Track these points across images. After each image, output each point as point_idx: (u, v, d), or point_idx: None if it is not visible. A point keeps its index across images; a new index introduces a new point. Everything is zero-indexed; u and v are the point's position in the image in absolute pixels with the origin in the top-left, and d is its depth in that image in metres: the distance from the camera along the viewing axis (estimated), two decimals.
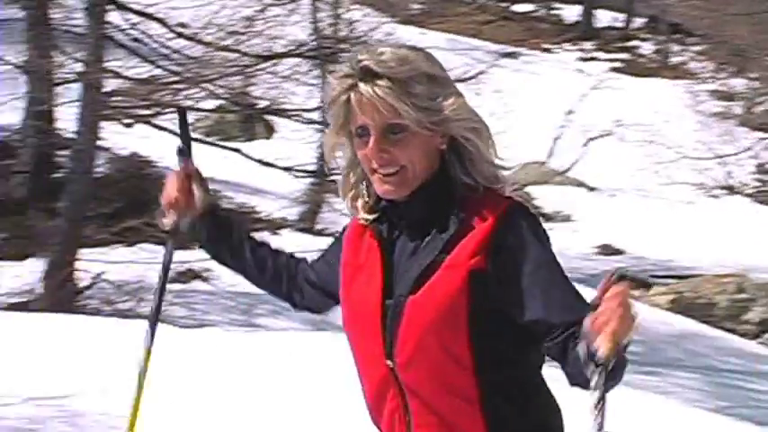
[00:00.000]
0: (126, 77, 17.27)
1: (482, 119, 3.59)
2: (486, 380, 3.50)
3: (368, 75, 3.46)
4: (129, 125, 18.32)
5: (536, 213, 3.57)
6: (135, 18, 17.76)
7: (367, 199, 3.68)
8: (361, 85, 3.45)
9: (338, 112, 3.53)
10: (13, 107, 18.87)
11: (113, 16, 17.31)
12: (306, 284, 4.09)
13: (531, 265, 3.44)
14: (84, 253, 16.51)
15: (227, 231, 4.24)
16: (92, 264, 16.61)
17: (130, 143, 20.45)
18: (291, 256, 4.25)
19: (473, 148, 3.53)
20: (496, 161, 3.59)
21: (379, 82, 3.44)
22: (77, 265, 16.24)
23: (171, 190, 4.21)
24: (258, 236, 4.33)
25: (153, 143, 19.73)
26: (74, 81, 17.08)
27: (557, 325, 3.39)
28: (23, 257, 17.34)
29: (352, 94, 3.48)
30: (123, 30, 17.84)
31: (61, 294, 15.51)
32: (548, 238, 3.56)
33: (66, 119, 17.68)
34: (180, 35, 17.92)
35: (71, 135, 17.35)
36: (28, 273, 16.44)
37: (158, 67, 17.79)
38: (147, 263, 17.55)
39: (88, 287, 16.28)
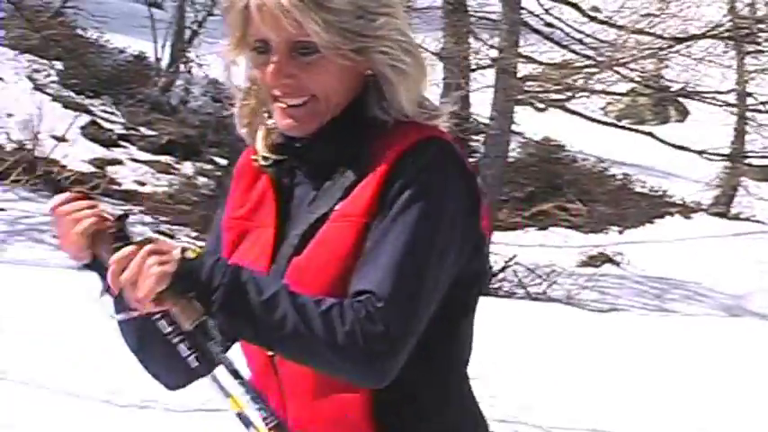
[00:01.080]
0: (539, 62, 17.35)
1: (417, 48, 2.78)
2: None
3: None
4: (541, 109, 18.25)
5: (457, 154, 2.69)
6: (549, 3, 17.66)
7: (270, 129, 2.84)
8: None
9: (235, 21, 2.73)
10: (430, 93, 18.76)
11: (528, 2, 17.22)
12: None
13: (395, 210, 2.64)
14: (497, 236, 16.44)
15: None
16: (505, 247, 16.61)
17: (543, 127, 20.21)
18: None
19: (393, 88, 2.72)
20: (426, 103, 2.80)
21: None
22: (491, 248, 16.04)
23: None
24: None
25: (565, 127, 19.55)
26: (489, 66, 17.19)
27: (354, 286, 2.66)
28: None
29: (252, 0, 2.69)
30: (537, 15, 17.83)
31: None
32: (451, 190, 2.69)
33: (481, 104, 17.74)
34: (593, 19, 17.72)
35: (485, 120, 17.47)
36: None
37: (571, 51, 17.72)
38: (558, 246, 17.76)
39: (501, 270, 16.32)
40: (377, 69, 2.71)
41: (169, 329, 2.68)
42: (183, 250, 2.59)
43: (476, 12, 18.03)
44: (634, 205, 20.27)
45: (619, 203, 20.08)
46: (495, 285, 15.93)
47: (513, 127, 17.11)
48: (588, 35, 17.66)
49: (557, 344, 11.72)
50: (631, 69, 16.82)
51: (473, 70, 17.78)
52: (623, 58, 16.42)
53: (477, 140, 18.51)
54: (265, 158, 2.84)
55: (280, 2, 2.62)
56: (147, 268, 2.54)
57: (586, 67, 17.08)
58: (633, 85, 18.79)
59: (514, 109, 16.79)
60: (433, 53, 17.56)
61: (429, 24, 17.78)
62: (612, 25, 17.18)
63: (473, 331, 2.91)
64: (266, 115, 2.82)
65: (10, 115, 16.17)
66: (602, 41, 17.63)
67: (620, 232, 19.32)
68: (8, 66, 17.21)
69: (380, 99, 2.75)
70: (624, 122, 21.52)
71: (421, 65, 2.77)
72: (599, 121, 20.03)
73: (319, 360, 2.63)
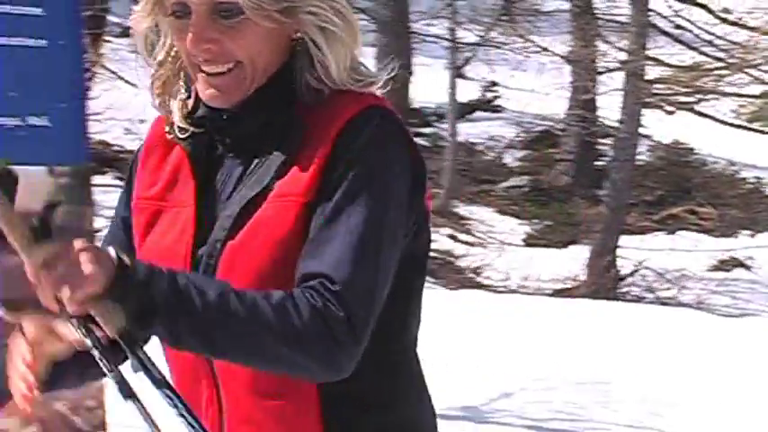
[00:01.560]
0: (668, 65, 17.18)
1: (349, 10, 2.59)
2: None
3: None
4: (670, 112, 18.08)
5: (397, 123, 2.56)
6: (678, 5, 17.43)
7: (186, 100, 2.64)
8: None
9: None
10: (558, 97, 18.91)
11: (657, 4, 16.98)
12: None
13: (342, 191, 2.49)
14: (625, 240, 16.40)
15: None
16: (633, 251, 16.45)
17: (672, 130, 19.74)
18: None
19: (322, 52, 2.52)
20: (360, 68, 2.60)
21: None
22: (619, 252, 16.15)
23: None
24: None
25: (695, 130, 19.17)
26: (617, 69, 17.06)
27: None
28: (567, 244, 17.25)
29: None
30: (666, 17, 17.58)
31: (603, 281, 15.51)
32: (395, 164, 2.56)
33: (609, 107, 17.57)
34: (724, 20, 17.40)
35: (613, 123, 17.28)
36: (571, 259, 16.44)
37: (701, 53, 17.47)
38: (688, 250, 17.40)
39: (630, 274, 16.13)
40: (305, 32, 2.51)
41: (82, 333, 2.43)
42: (117, 252, 2.39)
43: (603, 14, 17.81)
44: (766, 209, 19.75)
45: (750, 207, 19.68)
46: (623, 290, 15.75)
47: (642, 130, 16.92)
48: (719, 37, 17.34)
49: (686, 349, 11.52)
50: (764, 71, 16.66)
51: (600, 73, 17.64)
52: (755, 59, 16.30)
53: (605, 144, 18.29)
54: (181, 130, 2.62)
55: None
56: (82, 267, 2.32)
57: (717, 69, 16.98)
58: (766, 87, 18.36)
59: (643, 112, 16.59)
60: (560, 56, 17.62)
61: (556, 28, 17.97)
62: (744, 26, 17.05)
63: (421, 312, 2.71)
64: (182, 85, 2.62)
65: (142, 121, 16.38)
66: (733, 43, 17.34)
67: (752, 236, 18.93)
68: (141, 72, 17.51)
69: (310, 65, 2.55)
70: (756, 125, 21.04)
71: (353, 28, 2.57)
72: (730, 124, 19.69)
73: (275, 359, 2.47)
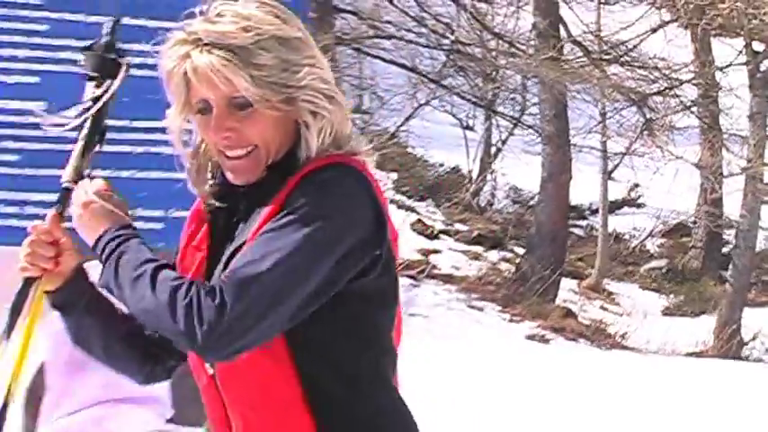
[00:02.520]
0: None
1: (337, 92, 2.59)
2: (307, 375, 2.53)
3: (200, 44, 2.52)
4: None
5: (356, 174, 2.52)
6: None
7: (211, 182, 2.67)
8: (195, 55, 2.49)
9: (177, 88, 2.55)
10: (690, 196, 18.78)
11: None
12: None
13: (278, 222, 2.46)
14: (747, 312, 16.05)
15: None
16: (754, 321, 16.02)
17: None
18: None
19: (309, 131, 2.50)
20: (346, 140, 2.57)
21: (216, 52, 2.49)
22: (742, 322, 15.80)
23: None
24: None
25: None
26: (738, 174, 16.73)
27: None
28: (697, 315, 16.95)
29: (187, 65, 2.50)
30: None
31: (729, 346, 15.23)
32: (341, 201, 2.48)
33: (733, 205, 17.16)
34: None
35: (737, 218, 16.90)
36: (701, 328, 16.08)
37: None
38: None
39: (751, 339, 15.80)
40: (300, 116, 2.50)
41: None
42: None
43: (727, 130, 17.41)
44: None
45: None
46: (746, 353, 15.45)
47: (760, 223, 16.59)
48: None
49: None
50: None
51: (725, 176, 17.28)
52: None
53: (730, 234, 17.90)
54: (209, 206, 2.64)
55: (211, 63, 2.46)
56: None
57: None
58: None
59: (762, 208, 16.29)
60: (692, 163, 17.44)
61: (688, 140, 17.61)
62: None
63: (393, 348, 2.61)
64: (210, 173, 2.62)
65: None
66: None
67: None
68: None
69: (306, 141, 2.54)
70: None
71: (341, 108, 2.56)
72: None
73: (151, 315, 2.46)
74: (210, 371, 2.58)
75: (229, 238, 2.60)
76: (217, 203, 2.64)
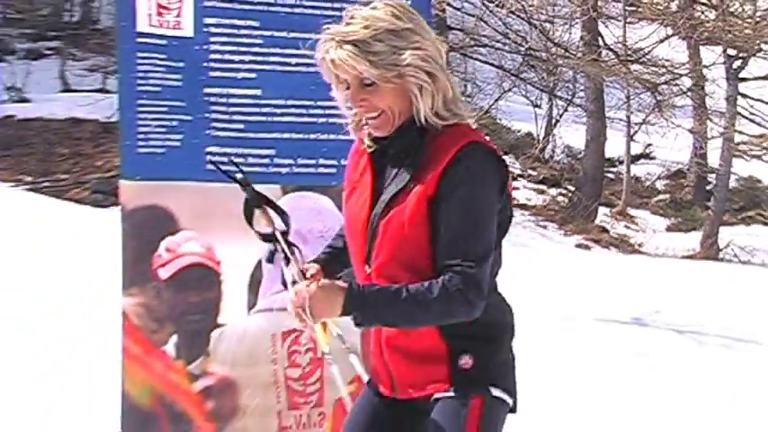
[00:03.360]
0: (749, 135, 16.10)
1: (440, 67, 2.35)
2: None
3: (335, 41, 2.35)
4: (748, 160, 17.01)
5: (489, 150, 2.36)
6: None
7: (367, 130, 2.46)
8: (331, 51, 2.34)
9: (327, 73, 2.40)
10: (686, 151, 18.20)
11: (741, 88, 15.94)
12: None
13: (455, 201, 2.29)
14: (722, 229, 15.59)
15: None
16: (726, 235, 15.65)
17: (749, 170, 18.44)
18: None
19: (416, 101, 2.34)
20: (453, 107, 2.38)
21: (345, 47, 2.32)
22: (719, 236, 15.39)
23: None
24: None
25: (763, 169, 17.90)
26: (717, 137, 16.13)
27: (439, 259, 2.31)
28: (689, 231, 16.25)
29: (328, 57, 2.36)
30: (748, 106, 16.36)
31: (710, 251, 14.85)
32: (488, 179, 2.33)
33: (714, 157, 16.73)
34: None
35: (716, 166, 16.40)
36: (692, 240, 15.55)
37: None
38: (756, 235, 16.28)
39: (725, 247, 15.28)
40: (409, 88, 2.34)
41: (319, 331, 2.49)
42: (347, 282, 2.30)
43: (711, 107, 16.91)
44: None
45: None
46: (721, 256, 14.98)
47: (732, 169, 16.30)
48: None
49: (759, 289, 10.47)
50: None
51: (709, 139, 16.82)
52: None
53: (712, 177, 17.36)
54: (369, 146, 2.47)
55: (339, 56, 2.31)
56: (322, 303, 2.27)
57: None
58: None
59: (732, 160, 15.92)
60: (687, 130, 17.05)
61: (685, 114, 17.28)
62: None
63: (501, 257, 2.45)
64: (364, 122, 2.45)
65: None
66: None
67: None
68: None
69: (420, 109, 2.37)
70: None
71: (441, 81, 2.35)
72: None
73: (434, 323, 2.31)
74: (367, 269, 2.40)
75: (386, 177, 2.41)
76: (372, 145, 2.46)
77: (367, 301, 2.23)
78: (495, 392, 2.32)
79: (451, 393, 2.30)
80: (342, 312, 2.25)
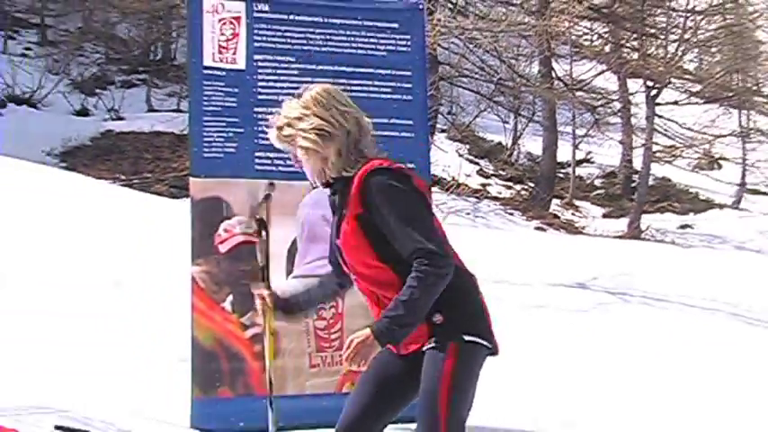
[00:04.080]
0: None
1: (339, 134, 2.28)
2: (399, 272, 2.21)
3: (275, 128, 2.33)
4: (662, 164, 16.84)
5: (387, 167, 2.27)
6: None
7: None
8: (273, 132, 2.33)
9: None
10: (616, 156, 17.82)
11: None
12: None
13: (384, 213, 2.20)
14: (644, 216, 15.27)
15: None
16: (646, 221, 15.25)
17: (664, 172, 17.93)
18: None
19: (330, 159, 2.31)
20: (359, 154, 2.29)
21: (274, 131, 2.33)
22: (641, 221, 15.05)
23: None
24: None
25: (672, 171, 17.60)
26: (639, 147, 16.00)
27: (402, 254, 2.20)
28: (619, 217, 15.85)
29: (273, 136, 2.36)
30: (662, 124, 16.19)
31: (634, 233, 14.59)
32: (395, 183, 2.23)
33: (637, 161, 16.51)
34: None
35: (639, 168, 16.18)
36: (621, 224, 15.26)
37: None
38: (663, 220, 16.03)
39: (645, 230, 14.99)
40: (321, 154, 2.31)
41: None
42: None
43: (635, 124, 16.71)
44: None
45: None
46: (643, 236, 14.67)
47: (651, 171, 16.04)
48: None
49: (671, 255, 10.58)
50: None
51: (633, 148, 16.56)
52: None
53: (636, 177, 16.82)
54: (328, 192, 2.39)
55: (272, 137, 2.34)
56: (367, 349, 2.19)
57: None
58: None
59: (651, 164, 15.70)
60: (617, 141, 16.80)
61: (616, 129, 17.06)
62: None
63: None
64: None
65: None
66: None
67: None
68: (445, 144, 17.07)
69: (331, 168, 2.31)
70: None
71: (336, 145, 2.28)
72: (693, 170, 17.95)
73: (430, 301, 2.20)
74: (353, 276, 2.34)
75: (336, 211, 2.36)
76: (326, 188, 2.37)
77: (389, 333, 2.18)
78: (468, 338, 2.24)
79: (433, 344, 2.24)
80: (381, 345, 2.21)
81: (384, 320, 2.18)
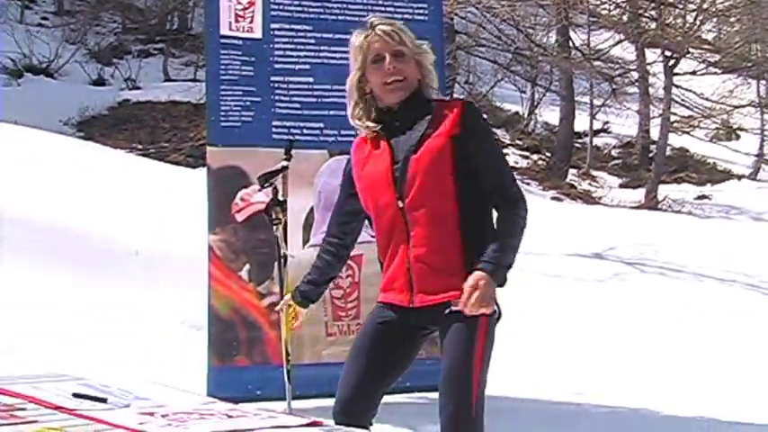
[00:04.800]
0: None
1: (433, 63, 2.34)
2: (463, 210, 2.22)
3: (380, 25, 2.29)
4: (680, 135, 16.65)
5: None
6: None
7: (370, 113, 2.32)
8: (378, 27, 2.28)
9: (357, 55, 2.30)
10: (633, 126, 17.64)
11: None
12: (349, 224, 2.44)
13: (486, 144, 2.27)
14: (661, 187, 15.12)
15: (318, 287, 2.55)
16: (663, 191, 15.12)
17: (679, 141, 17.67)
18: (331, 242, 2.48)
19: (427, 79, 2.33)
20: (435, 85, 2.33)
21: (393, 25, 2.31)
22: (658, 191, 14.92)
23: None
24: (319, 262, 2.50)
25: (690, 141, 17.37)
26: (657, 117, 15.73)
27: (491, 190, 2.25)
28: (636, 188, 15.80)
29: (370, 35, 2.28)
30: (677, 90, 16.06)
31: (651, 203, 14.46)
32: (491, 127, 2.43)
33: (655, 131, 16.17)
34: None
35: (656, 138, 15.90)
36: (639, 194, 15.17)
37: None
38: (682, 190, 15.86)
39: (662, 200, 14.82)
40: (424, 67, 2.32)
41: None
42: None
43: (653, 95, 16.37)
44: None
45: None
46: (660, 206, 14.55)
47: (669, 141, 15.81)
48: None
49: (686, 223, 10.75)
50: None
51: (651, 118, 16.23)
52: None
53: (653, 147, 16.62)
54: (371, 131, 2.32)
55: (392, 28, 2.30)
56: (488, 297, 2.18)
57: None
58: None
59: (668, 134, 15.48)
60: (635, 111, 16.54)
61: (633, 99, 16.80)
62: None
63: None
64: (363, 106, 2.32)
65: None
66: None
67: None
68: None
69: (425, 84, 2.33)
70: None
71: (434, 71, 2.35)
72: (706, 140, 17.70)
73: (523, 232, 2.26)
74: (401, 204, 2.23)
75: (399, 139, 2.27)
76: (374, 127, 2.31)
77: (501, 273, 2.18)
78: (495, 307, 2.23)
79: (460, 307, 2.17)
80: (498, 286, 2.19)
81: (492, 260, 2.16)
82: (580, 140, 17.56)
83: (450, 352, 2.19)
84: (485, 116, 2.33)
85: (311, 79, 3.87)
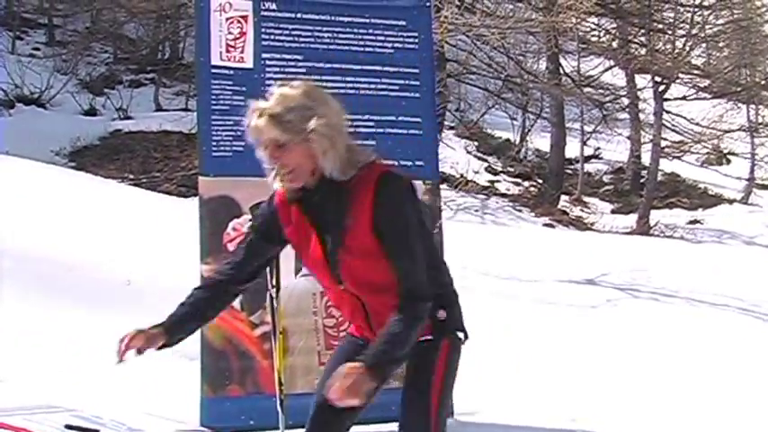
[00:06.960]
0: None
1: (339, 132, 2.17)
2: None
3: (257, 113, 2.17)
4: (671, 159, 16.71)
5: (401, 175, 2.20)
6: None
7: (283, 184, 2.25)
8: (253, 120, 2.16)
9: (252, 135, 2.19)
10: (624, 152, 17.85)
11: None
12: (249, 263, 2.36)
13: (390, 224, 2.15)
14: (652, 212, 15.23)
15: (184, 326, 2.60)
16: (655, 216, 15.23)
17: (671, 167, 17.76)
18: (210, 284, 2.55)
19: (319, 160, 2.15)
20: (355, 160, 2.18)
21: (263, 117, 2.14)
22: (650, 217, 15.04)
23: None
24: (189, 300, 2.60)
25: (680, 166, 17.54)
26: (648, 142, 15.94)
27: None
28: (628, 213, 15.88)
29: (252, 125, 2.18)
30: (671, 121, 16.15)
31: (642, 228, 14.56)
32: (409, 197, 2.19)
33: (645, 157, 16.44)
34: None
35: (647, 164, 16.11)
36: (630, 220, 15.27)
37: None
38: (674, 215, 15.99)
39: (654, 225, 14.98)
40: (315, 150, 2.15)
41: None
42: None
43: (643, 120, 16.68)
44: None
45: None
46: (651, 232, 14.65)
47: (659, 167, 16.01)
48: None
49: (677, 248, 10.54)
50: None
51: (642, 144, 16.50)
52: None
53: (644, 172, 16.76)
54: (291, 199, 2.26)
55: (258, 124, 2.16)
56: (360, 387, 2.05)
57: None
58: None
59: (660, 160, 15.61)
60: (626, 137, 16.81)
61: (624, 125, 17.07)
62: None
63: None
64: (281, 178, 2.23)
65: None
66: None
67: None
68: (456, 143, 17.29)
69: (325, 168, 2.18)
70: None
71: (340, 143, 2.17)
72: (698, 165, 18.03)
73: (413, 338, 2.15)
74: (342, 287, 2.24)
75: (321, 218, 2.23)
76: (295, 196, 2.26)
77: (380, 370, 2.08)
78: (458, 334, 2.31)
79: (429, 337, 2.24)
80: (374, 387, 2.08)
81: (375, 355, 2.08)
82: (571, 167, 17.74)
83: (407, 378, 2.25)
84: (401, 189, 2.16)
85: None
